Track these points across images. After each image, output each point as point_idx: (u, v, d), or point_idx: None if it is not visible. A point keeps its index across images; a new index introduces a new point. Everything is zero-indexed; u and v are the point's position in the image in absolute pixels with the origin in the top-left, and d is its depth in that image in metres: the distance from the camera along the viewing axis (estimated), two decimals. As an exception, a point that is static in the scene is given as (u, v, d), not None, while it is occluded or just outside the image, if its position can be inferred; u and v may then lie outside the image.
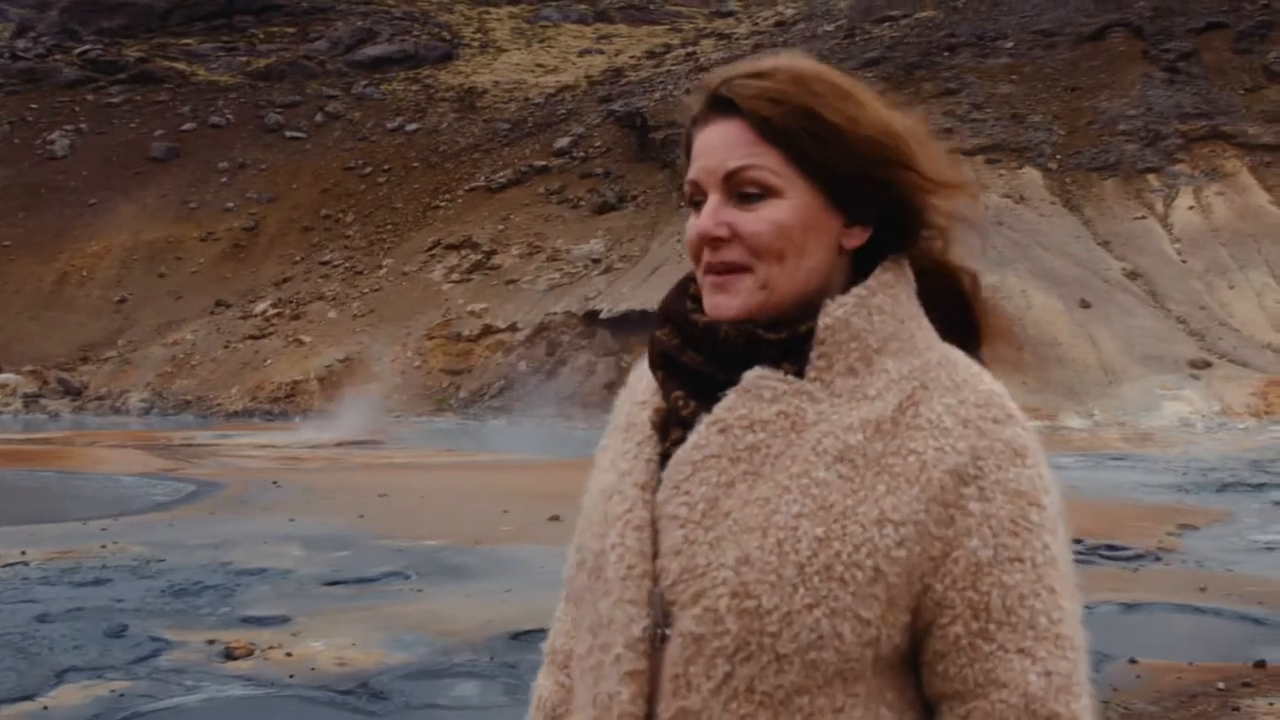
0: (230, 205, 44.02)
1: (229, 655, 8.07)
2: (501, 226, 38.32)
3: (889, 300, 1.29)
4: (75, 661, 8.03)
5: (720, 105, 1.31)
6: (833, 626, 1.18)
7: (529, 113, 46.91)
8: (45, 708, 7.09)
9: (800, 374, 1.27)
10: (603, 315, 31.94)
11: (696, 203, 1.32)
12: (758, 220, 1.27)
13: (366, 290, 37.34)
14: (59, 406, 34.36)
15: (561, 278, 34.81)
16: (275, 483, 17.42)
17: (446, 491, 16.77)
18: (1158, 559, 11.43)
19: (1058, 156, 34.12)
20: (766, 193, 1.28)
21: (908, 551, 1.19)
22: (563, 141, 42.13)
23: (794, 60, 1.33)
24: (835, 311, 1.27)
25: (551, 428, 28.62)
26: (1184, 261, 30.62)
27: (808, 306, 1.28)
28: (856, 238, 1.31)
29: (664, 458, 1.31)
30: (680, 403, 1.31)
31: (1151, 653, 7.83)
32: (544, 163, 41.32)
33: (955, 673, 1.21)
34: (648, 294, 31.41)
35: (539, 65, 53.27)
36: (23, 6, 61.17)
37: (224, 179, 45.76)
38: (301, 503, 15.32)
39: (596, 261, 35.21)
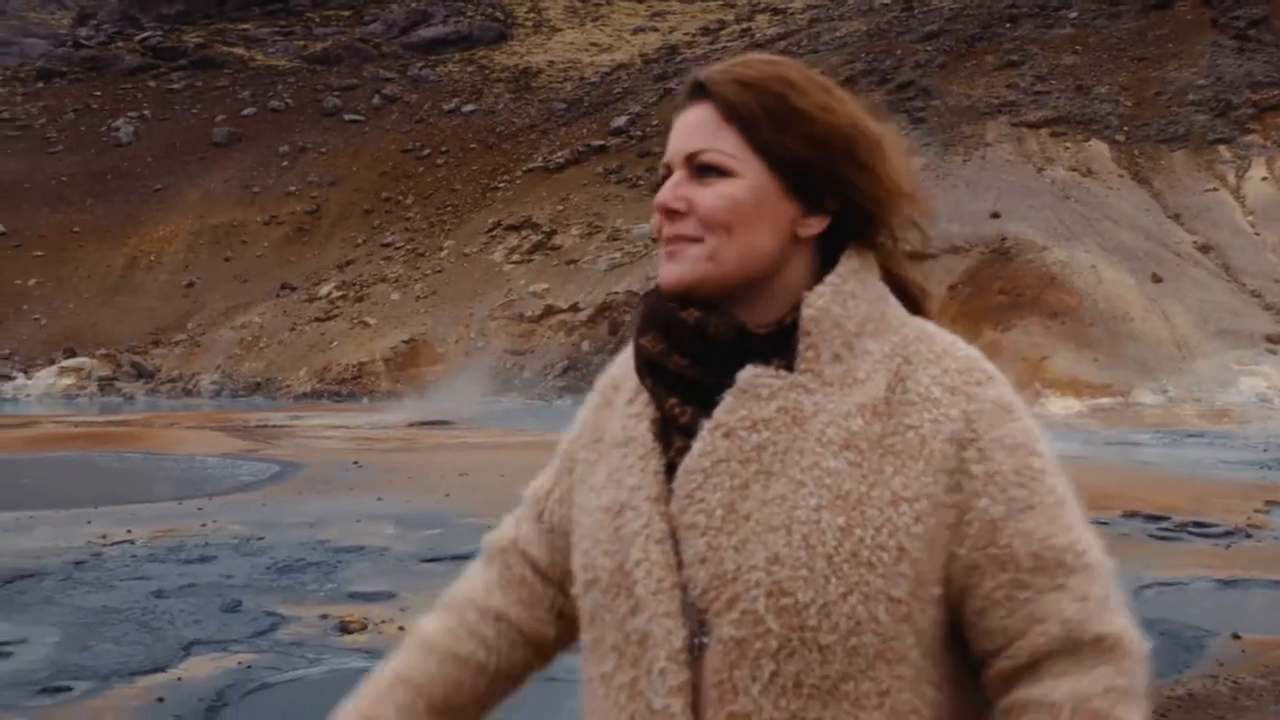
0: (292, 189, 44.55)
1: (344, 629, 8.28)
2: (561, 206, 38.44)
3: (859, 285, 1.32)
4: (198, 635, 8.27)
5: (696, 92, 1.36)
6: (868, 610, 1.21)
7: (585, 92, 46.95)
8: (179, 679, 7.33)
9: (790, 367, 1.28)
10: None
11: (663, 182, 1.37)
12: (712, 194, 1.30)
13: (429, 272, 37.67)
14: (133, 389, 35.07)
15: (622, 257, 34.88)
16: (356, 463, 17.70)
17: (525, 471, 16.70)
18: (1249, 535, 11.33)
19: (1125, 128, 33.60)
20: (723, 173, 1.31)
21: (924, 525, 1.22)
22: (620, 120, 42.14)
23: (779, 58, 1.38)
24: (816, 302, 1.29)
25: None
26: (1258, 234, 30.08)
27: (751, 287, 1.31)
28: (813, 227, 1.33)
29: (670, 468, 1.31)
30: (677, 410, 1.31)
31: (1254, 628, 7.81)
32: (601, 142, 41.37)
33: (997, 626, 1.24)
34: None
35: (593, 44, 53.27)
36: (84, -5, 62.14)
37: (285, 163, 46.30)
38: (384, 482, 15.57)
39: (657, 241, 35.20)
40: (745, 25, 50.90)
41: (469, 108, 47.83)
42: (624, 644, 1.30)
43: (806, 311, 1.29)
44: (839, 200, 1.33)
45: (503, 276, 35.96)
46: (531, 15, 57.28)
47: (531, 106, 46.81)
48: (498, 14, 56.50)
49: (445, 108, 48.14)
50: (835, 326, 1.29)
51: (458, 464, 17.30)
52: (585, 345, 32.58)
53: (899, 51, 40.16)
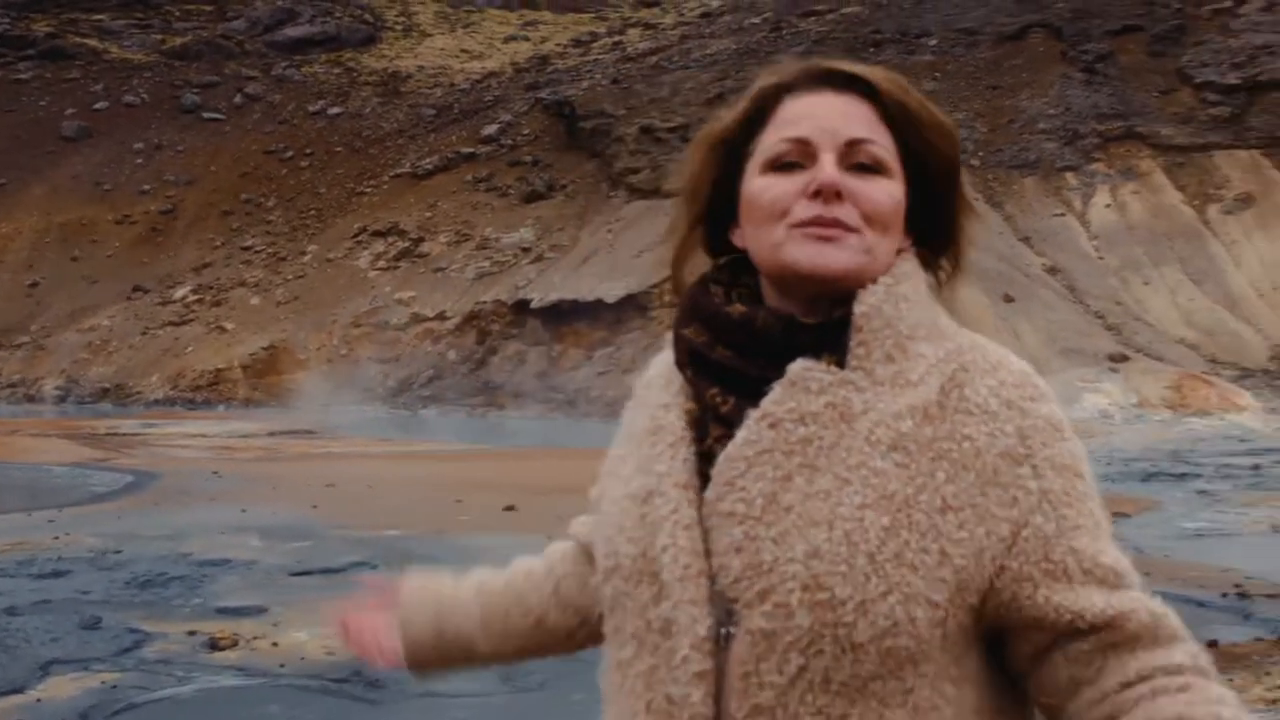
0: (146, 187, 42.97)
1: (214, 646, 8.02)
2: (429, 214, 38.01)
3: (912, 289, 1.32)
4: (57, 654, 7.91)
5: (837, 80, 1.33)
6: (906, 612, 1.20)
7: (455, 99, 46.56)
8: (38, 700, 7.00)
9: (840, 363, 1.27)
10: (533, 304, 31.92)
11: (784, 163, 1.32)
12: (878, 189, 1.29)
13: (290, 277, 36.77)
14: (-31, 393, 33.33)
15: (491, 266, 34.68)
16: (216, 473, 17.18)
17: (393, 481, 16.71)
18: (1101, 546, 11.86)
19: (980, 154, 34.95)
20: (881, 170, 1.30)
21: (969, 534, 1.22)
22: (490, 129, 41.91)
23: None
24: (869, 299, 1.28)
25: (483, 417, 28.56)
26: (1101, 258, 31.64)
27: (846, 294, 1.30)
28: (905, 244, 1.34)
29: (701, 457, 1.30)
30: (719, 399, 1.30)
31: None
32: (471, 150, 41.07)
33: (1048, 630, 1.26)
34: (578, 283, 31.47)
35: (464, 51, 52.88)
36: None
37: (139, 160, 44.64)
38: (247, 493, 15.15)
39: (526, 250, 35.14)
40: (617, 39, 51.23)
41: (335, 110, 46.93)
42: (644, 631, 1.29)
43: (859, 308, 1.28)
44: (928, 220, 1.35)
45: (368, 283, 35.35)
46: (401, 19, 56.53)
47: (400, 111, 46.19)
48: (367, 16, 55.59)
49: (310, 109, 47.13)
50: (887, 326, 1.28)
51: (323, 474, 16.95)
52: (452, 354, 32.26)
53: (767, 71, 40.94)
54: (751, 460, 1.25)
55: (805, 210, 1.28)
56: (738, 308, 1.31)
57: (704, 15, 52.14)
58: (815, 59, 1.36)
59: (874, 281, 1.29)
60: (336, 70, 50.89)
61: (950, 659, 1.25)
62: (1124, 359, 26.33)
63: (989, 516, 1.23)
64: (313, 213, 40.45)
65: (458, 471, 17.93)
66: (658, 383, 1.41)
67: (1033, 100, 36.47)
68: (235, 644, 8.06)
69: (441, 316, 33.28)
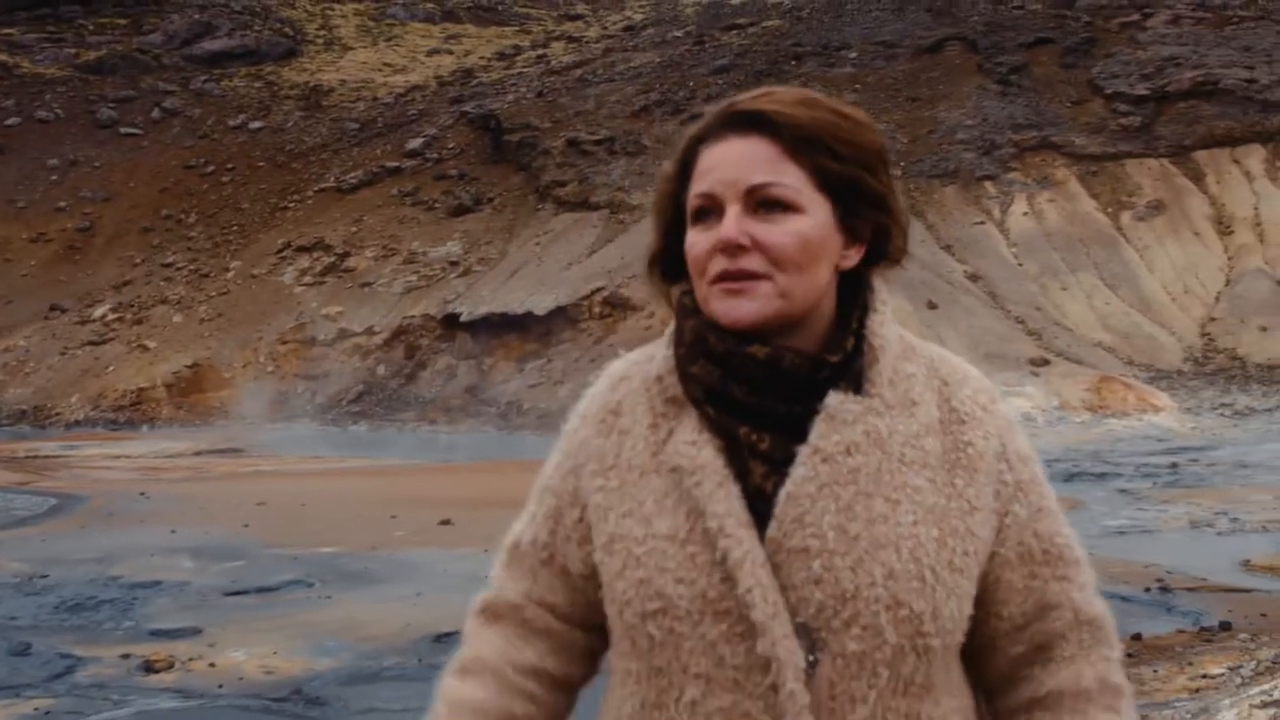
0: (62, 204, 41.97)
1: (149, 669, 7.93)
2: (354, 228, 37.64)
3: (892, 312, 1.44)
4: (-16, 682, 7.76)
5: (739, 122, 1.36)
6: (961, 611, 1.35)
7: (378, 112, 46.18)
8: (-33, 730, 6.86)
9: (855, 391, 1.36)
10: (463, 318, 31.77)
11: (702, 214, 1.36)
12: (782, 232, 1.33)
13: (214, 294, 36.16)
14: (-121, 418, 32.21)
15: (419, 280, 34.44)
16: (143, 493, 16.88)
17: (325, 498, 16.55)
18: (1027, 545, 12.16)
19: (901, 164, 35.53)
20: (787, 208, 1.34)
21: (988, 529, 1.38)
22: (415, 142, 41.64)
23: (792, 88, 1.42)
24: (881, 330, 1.39)
25: (414, 432, 28.35)
26: (1020, 265, 32.34)
27: (805, 321, 1.37)
28: (851, 258, 1.40)
29: (750, 494, 1.34)
30: (754, 437, 1.34)
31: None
32: (396, 164, 40.76)
33: (1017, 612, 1.42)
34: (507, 296, 31.40)
35: (386, 64, 52.47)
36: None
37: (54, 176, 43.59)
38: (176, 513, 14.91)
39: (454, 264, 34.96)
40: (541, 52, 51.24)
41: (256, 124, 46.29)
42: (715, 670, 1.32)
43: (876, 340, 1.38)
44: (871, 226, 1.41)
45: (293, 299, 34.89)
46: (323, 33, 55.98)
47: (323, 125, 45.69)
48: (287, 29, 54.95)
49: (231, 123, 46.43)
50: (887, 352, 1.38)
51: (254, 493, 16.73)
52: (381, 369, 31.97)
53: (691, 83, 41.25)
54: (815, 496, 1.32)
55: (716, 266, 1.34)
56: (760, 349, 1.34)
57: (627, 29, 52.38)
58: (728, 101, 1.39)
59: (873, 310, 1.40)
60: (257, 84, 50.21)
61: (963, 639, 1.40)
62: (1045, 363, 26.95)
63: (992, 512, 1.39)
64: (235, 228, 39.83)
65: (391, 487, 17.81)
66: (638, 412, 1.41)
67: (951, 111, 37.18)
68: (171, 666, 7.97)
69: (370, 331, 32.97)
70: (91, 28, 53.17)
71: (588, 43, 51.50)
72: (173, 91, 49.02)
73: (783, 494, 1.32)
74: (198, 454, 23.35)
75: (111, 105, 47.89)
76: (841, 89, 39.06)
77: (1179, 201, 33.67)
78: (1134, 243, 32.85)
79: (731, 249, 1.32)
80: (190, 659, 8.14)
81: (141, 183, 43.16)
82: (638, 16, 53.95)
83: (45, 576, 10.98)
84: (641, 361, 1.45)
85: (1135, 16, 39.40)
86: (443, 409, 30.10)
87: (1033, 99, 37.23)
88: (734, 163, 1.34)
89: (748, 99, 1.38)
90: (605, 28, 53.75)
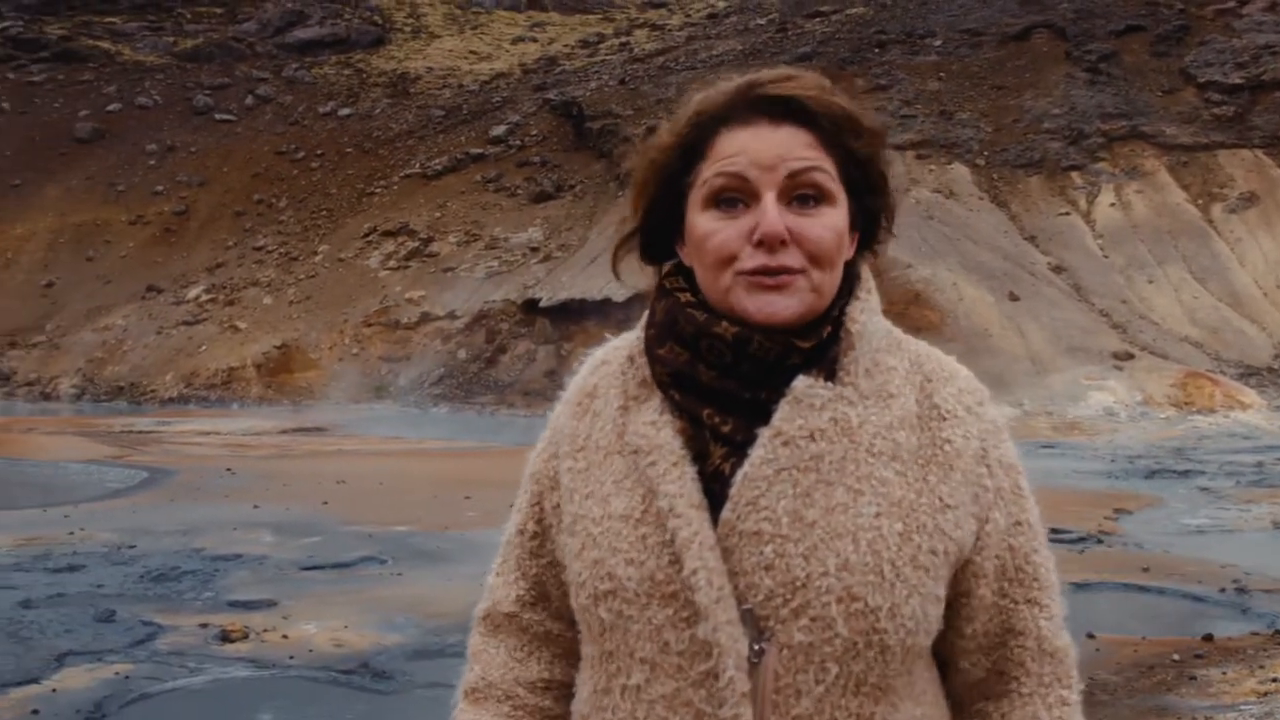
0: (159, 188, 43.28)
1: (225, 638, 8.24)
2: (438, 214, 38.23)
3: (877, 302, 1.38)
4: (71, 646, 8.15)
5: (769, 108, 1.30)
6: (924, 611, 1.28)
7: (463, 100, 46.75)
8: (53, 690, 7.22)
9: (829, 379, 1.31)
10: (542, 304, 32.11)
11: (726, 199, 1.30)
12: (821, 226, 1.29)
13: (302, 277, 37.03)
14: (-14, 393, 33.65)
15: (500, 266, 34.88)
16: (229, 470, 17.41)
17: (403, 478, 16.92)
18: (1100, 541, 12.05)
19: (985, 153, 35.01)
20: (824, 198, 1.30)
21: (962, 531, 1.31)
22: (498, 129, 42.10)
23: (809, 72, 1.36)
24: (860, 317, 1.33)
25: (493, 415, 28.76)
26: (1106, 257, 31.70)
27: (825, 311, 1.33)
28: (850, 248, 1.36)
29: (706, 475, 1.30)
30: (716, 420, 1.30)
31: (1107, 628, 8.37)
32: (480, 150, 41.26)
33: (980, 630, 1.36)
34: (586, 283, 31.65)
35: (472, 52, 53.07)
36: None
37: (152, 161, 44.94)
38: (260, 489, 15.37)
39: (535, 250, 35.33)
40: (624, 39, 51.38)
41: (345, 111, 47.19)
42: (659, 655, 1.28)
43: (853, 327, 1.33)
44: (866, 213, 1.37)
45: (378, 283, 35.58)
46: (410, 21, 56.78)
47: (409, 112, 46.41)
48: (375, 18, 55.86)
49: (321, 110, 47.40)
50: (866, 342, 1.34)
51: (334, 471, 17.17)
52: (461, 353, 32.48)
53: (774, 71, 41.03)
54: (771, 479, 1.26)
55: (751, 259, 1.27)
56: (728, 328, 1.29)
57: (710, 16, 52.28)
58: (748, 78, 1.32)
59: (854, 298, 1.34)
60: (346, 71, 51.15)
61: (929, 648, 1.36)
62: (1129, 357, 26.43)
63: (968, 515, 1.32)
64: (324, 213, 40.71)
65: (467, 468, 18.13)
66: (611, 395, 1.38)
67: (1037, 100, 36.51)
68: (246, 636, 8.28)
69: (451, 316, 33.49)
70: (189, 16, 54.61)
71: (671, 30, 51.49)
72: (265, 79, 50.17)
73: (739, 475, 1.28)
74: (283, 432, 23.99)
75: (207, 92, 49.18)
76: (925, 77, 38.60)
77: (1273, 193, 32.69)
78: (1225, 235, 31.98)
79: (774, 243, 1.27)
80: (264, 630, 8.44)
81: (235, 168, 44.30)
82: (721, 4, 53.80)
83: (133, 547, 11.43)
84: (622, 346, 1.43)
85: (1230, 3, 38.25)
86: (521, 393, 30.49)
87: (1122, 87, 36.39)
88: (771, 148, 1.28)
89: (773, 82, 1.30)
90: (688, 15, 53.69)
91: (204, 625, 8.64)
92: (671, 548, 1.28)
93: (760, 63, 45.29)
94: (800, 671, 1.25)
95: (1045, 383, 25.44)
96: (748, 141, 1.29)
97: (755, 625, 1.25)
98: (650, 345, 1.36)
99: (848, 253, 1.35)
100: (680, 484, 1.29)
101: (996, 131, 35.70)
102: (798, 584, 1.25)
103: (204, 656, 7.96)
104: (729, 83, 1.34)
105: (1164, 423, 23.39)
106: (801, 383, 1.29)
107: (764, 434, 1.28)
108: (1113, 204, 33.21)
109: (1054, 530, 12.27)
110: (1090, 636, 8.05)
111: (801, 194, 1.29)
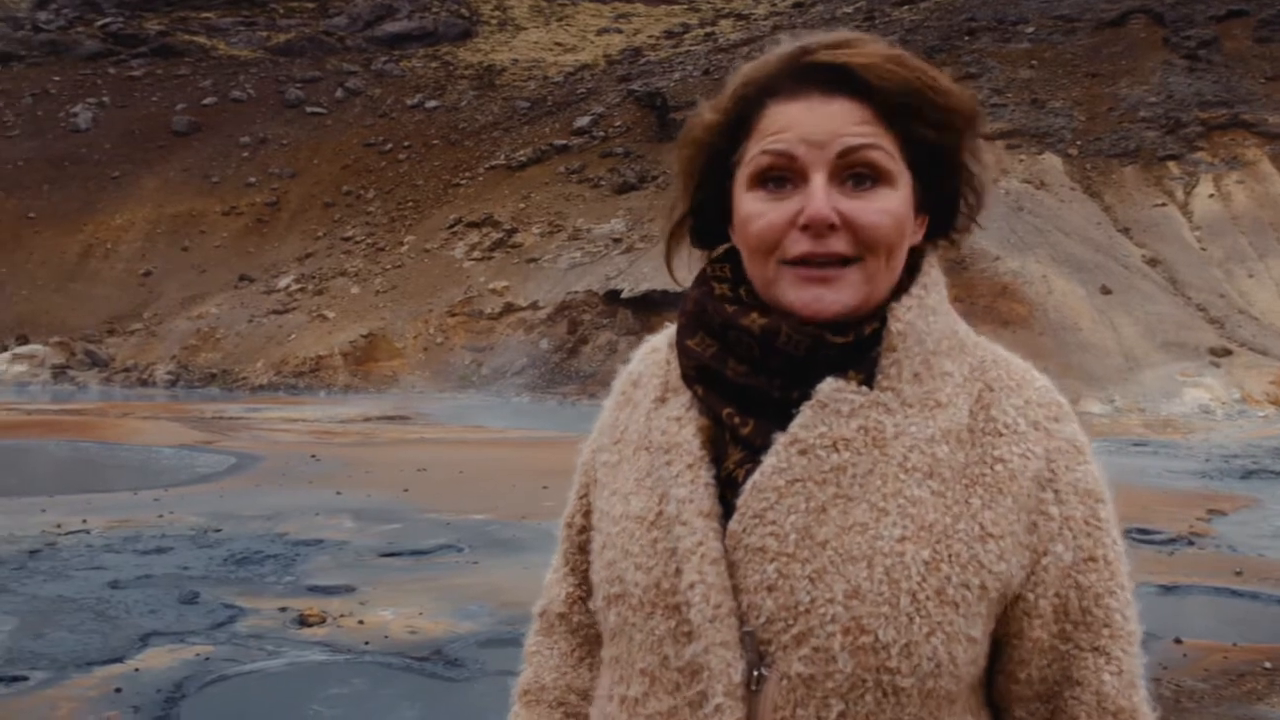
0: (252, 180, 44.27)
1: (303, 622, 8.37)
2: (522, 205, 38.52)
3: (939, 299, 1.22)
4: (156, 626, 8.33)
5: (821, 78, 1.16)
6: (949, 652, 1.12)
7: (548, 91, 47.02)
8: (136, 669, 7.39)
9: (867, 382, 1.17)
10: (624, 294, 32.18)
11: (771, 179, 1.18)
12: (877, 210, 1.15)
13: (389, 267, 37.60)
14: (86, 378, 34.71)
15: (583, 257, 35.03)
16: (314, 456, 17.72)
17: (483, 467, 17.06)
18: (1191, 543, 11.68)
19: (1078, 142, 34.21)
20: (880, 179, 1.15)
21: (1007, 564, 1.14)
22: (582, 120, 42.26)
23: (873, 37, 1.20)
24: (905, 316, 1.18)
25: (574, 405, 28.91)
26: (1204, 249, 30.78)
27: (875, 305, 1.18)
28: (918, 233, 1.22)
29: (724, 481, 1.19)
30: (736, 420, 1.19)
31: (1195, 633, 8.10)
32: (564, 141, 41.47)
33: (1036, 675, 1.19)
34: (668, 274, 31.61)
35: (557, 44, 53.33)
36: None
37: (245, 153, 46.00)
38: (343, 476, 15.62)
39: (617, 241, 35.41)
40: (709, 29, 51.19)
41: (432, 103, 47.76)
42: (659, 669, 1.20)
43: (895, 325, 1.17)
44: (941, 198, 1.22)
45: (463, 273, 35.97)
46: (497, 13, 57.25)
47: (495, 104, 46.82)
48: (463, 11, 56.42)
49: (408, 103, 48.04)
50: (918, 343, 1.18)
51: (416, 459, 17.37)
52: (544, 344, 32.69)
53: (861, 60, 40.62)
54: (783, 491, 1.14)
55: (796, 245, 1.15)
56: (756, 319, 1.18)
57: (796, 5, 51.82)
58: (800, 43, 1.19)
59: (905, 293, 1.19)
60: (434, 64, 51.78)
61: (974, 694, 1.20)
62: (1227, 353, 25.62)
63: (1019, 545, 1.15)
64: (410, 204, 41.27)
65: (546, 458, 18.23)
66: (652, 385, 1.30)
67: (1133, 88, 35.57)
68: (323, 621, 8.40)
69: (534, 306, 33.73)
70: (282, 11, 55.74)
71: (756, 20, 51.15)
72: (355, 72, 51.00)
73: (748, 484, 1.16)
74: (368, 420, 24.36)
75: (299, 85, 50.16)
76: (1017, 65, 37.82)
77: (1384, 184, 31.49)
78: (1331, 228, 30.89)
79: (821, 228, 1.14)
80: (341, 615, 8.55)
81: (325, 160, 45.13)
82: (809, -8, 53.30)
83: (219, 530, 11.68)
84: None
85: (1341, -15, 36.89)
86: (603, 383, 30.51)
87: (1223, 75, 35.26)
88: (821, 123, 1.15)
89: (828, 48, 1.16)
90: (774, 4, 53.30)
91: (283, 609, 8.79)
92: (678, 556, 1.18)
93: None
94: (800, 706, 1.12)
95: (1138, 379, 24.79)
96: (797, 116, 1.16)
97: (756, 649, 1.14)
98: (680, 335, 1.26)
99: (914, 238, 1.20)
100: (692, 488, 1.19)
101: (1090, 120, 34.86)
102: (800, 609, 1.12)
103: (281, 640, 8.08)
104: (779, 49, 1.20)
105: (1262, 421, 22.65)
106: (829, 385, 1.15)
107: (780, 440, 1.15)
108: (1211, 195, 32.22)
109: (1143, 531, 11.93)
110: (1178, 641, 7.81)
111: (857, 174, 1.15)
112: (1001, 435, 1.17)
